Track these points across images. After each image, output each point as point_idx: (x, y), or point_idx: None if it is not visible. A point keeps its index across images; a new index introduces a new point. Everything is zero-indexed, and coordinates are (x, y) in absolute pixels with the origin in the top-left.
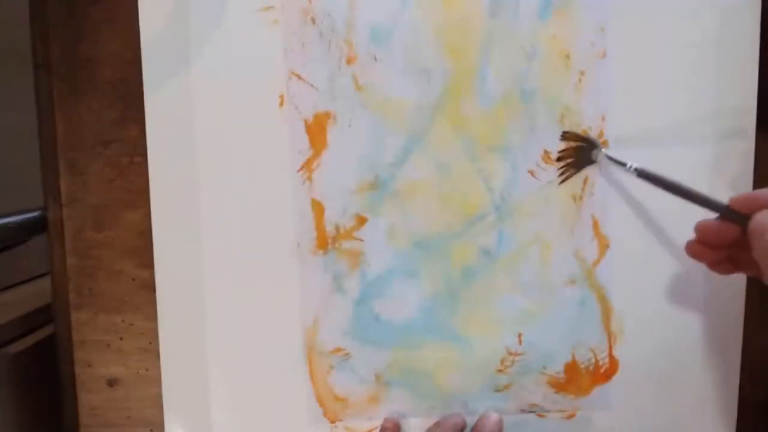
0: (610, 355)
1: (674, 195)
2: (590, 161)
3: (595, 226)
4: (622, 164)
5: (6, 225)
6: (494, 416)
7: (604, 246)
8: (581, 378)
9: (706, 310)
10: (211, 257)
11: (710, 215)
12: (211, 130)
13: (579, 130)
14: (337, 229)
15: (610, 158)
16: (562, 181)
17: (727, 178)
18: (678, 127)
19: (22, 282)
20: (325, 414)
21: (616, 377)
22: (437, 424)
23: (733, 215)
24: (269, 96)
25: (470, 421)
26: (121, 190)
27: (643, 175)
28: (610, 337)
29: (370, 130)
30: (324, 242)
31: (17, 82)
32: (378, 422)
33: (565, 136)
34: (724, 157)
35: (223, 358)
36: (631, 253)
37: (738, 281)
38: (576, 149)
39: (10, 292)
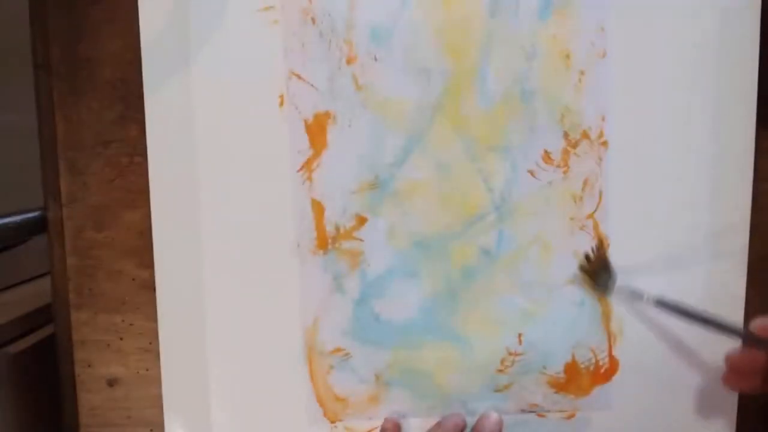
0: (610, 355)
1: (693, 323)
2: (606, 290)
3: (595, 226)
4: (639, 295)
5: (6, 225)
6: (494, 416)
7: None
8: (581, 378)
9: (706, 311)
10: (211, 257)
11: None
12: (211, 130)
13: (579, 131)
14: (337, 229)
15: (627, 289)
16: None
17: (727, 177)
18: (678, 127)
19: (22, 282)
20: (325, 414)
21: (616, 377)
22: (438, 425)
23: (756, 340)
24: (269, 96)
25: (470, 421)
26: (121, 190)
27: (661, 304)
28: (610, 337)
29: (370, 130)
30: (324, 242)
31: (17, 82)
32: (378, 422)
33: (583, 268)
34: (724, 156)
35: (223, 358)
36: (631, 253)
37: (738, 281)
38: (592, 275)
39: (10, 292)
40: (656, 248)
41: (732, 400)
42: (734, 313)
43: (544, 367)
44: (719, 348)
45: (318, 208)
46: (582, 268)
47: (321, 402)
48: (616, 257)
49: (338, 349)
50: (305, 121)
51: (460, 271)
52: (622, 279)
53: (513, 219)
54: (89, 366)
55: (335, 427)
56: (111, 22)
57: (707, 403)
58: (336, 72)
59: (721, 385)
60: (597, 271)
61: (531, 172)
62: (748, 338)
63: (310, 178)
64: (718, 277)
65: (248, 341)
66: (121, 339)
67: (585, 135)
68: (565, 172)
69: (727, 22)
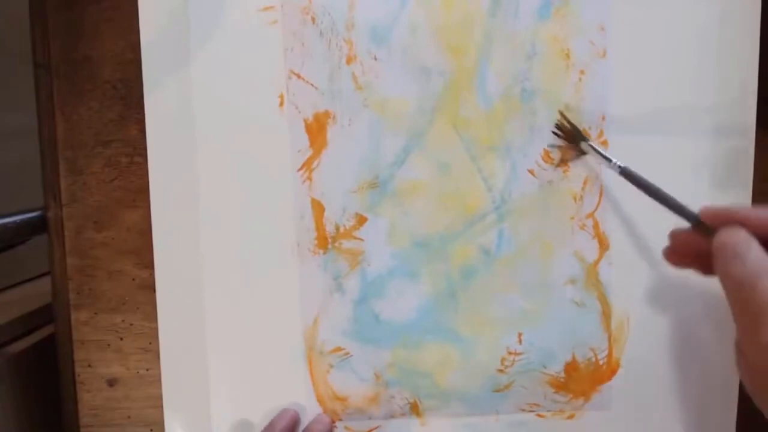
0: (610, 355)
1: (653, 198)
2: (580, 150)
3: (595, 226)
4: (608, 159)
5: (6, 225)
6: (325, 419)
7: (604, 246)
8: (581, 378)
9: (706, 310)
10: (211, 257)
11: None
12: (211, 129)
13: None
14: (337, 228)
15: (596, 150)
16: (558, 165)
17: (727, 177)
18: (678, 127)
19: (22, 282)
20: (324, 413)
21: (616, 377)
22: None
23: (703, 227)
24: (269, 95)
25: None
26: (121, 190)
27: (625, 173)
28: (610, 337)
29: (370, 129)
30: (324, 242)
31: (17, 82)
32: (378, 422)
33: (557, 126)
34: (724, 155)
35: (223, 357)
36: (631, 253)
37: None
38: (568, 136)
39: (10, 292)
40: (657, 248)
41: (732, 400)
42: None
43: (544, 367)
44: (719, 348)
45: (318, 207)
46: (558, 129)
47: (321, 401)
48: (616, 257)
49: (338, 349)
50: (305, 121)
51: (460, 271)
52: (624, 278)
53: (513, 219)
54: (89, 366)
55: (335, 426)
56: (111, 22)
57: (707, 403)
58: (336, 71)
59: (662, 259)
60: (572, 134)
61: (531, 172)
62: (696, 224)
63: (309, 178)
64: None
65: (248, 341)
66: (121, 339)
67: (585, 134)
68: (565, 172)
69: (727, 22)
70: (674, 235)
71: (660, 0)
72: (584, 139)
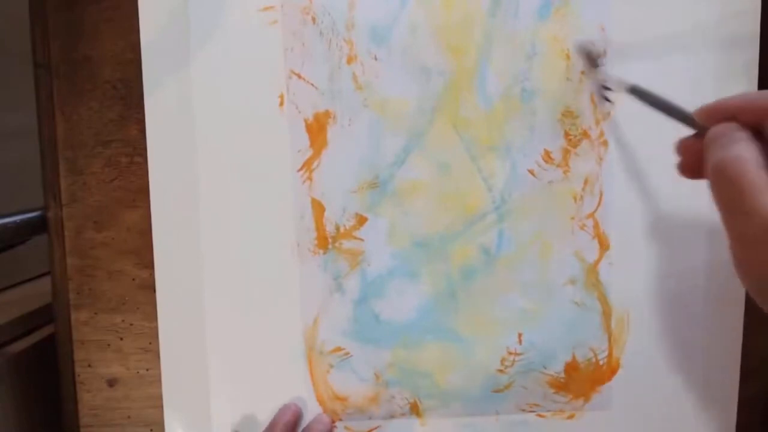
0: (610, 355)
1: (660, 112)
2: (595, 64)
3: (595, 226)
4: (621, 82)
5: (6, 225)
6: (325, 419)
7: (604, 246)
8: (581, 378)
9: (706, 310)
10: (211, 257)
11: None
12: (211, 129)
13: (579, 131)
14: (337, 228)
15: (605, 76)
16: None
17: None
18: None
19: (22, 282)
20: (324, 413)
21: (616, 377)
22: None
23: (699, 128)
24: (269, 95)
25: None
26: (121, 190)
27: (634, 91)
28: (610, 337)
29: (370, 129)
30: (324, 242)
31: (17, 82)
32: (378, 422)
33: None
34: None
35: (223, 357)
36: (631, 253)
37: (739, 281)
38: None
39: (10, 292)
40: (657, 248)
41: (732, 400)
42: (734, 313)
43: (544, 367)
44: (719, 348)
45: (318, 207)
46: (579, 49)
47: (321, 401)
48: (616, 257)
49: (338, 349)
50: (305, 121)
51: (460, 271)
52: (624, 278)
53: (513, 219)
54: (89, 366)
55: (335, 426)
56: (111, 22)
57: (707, 403)
58: (336, 71)
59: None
60: (591, 58)
61: (531, 172)
62: (691, 124)
63: (310, 178)
64: (718, 274)
65: (248, 341)
66: (121, 339)
67: (585, 135)
68: (565, 172)
69: (727, 22)
70: (682, 147)
71: (660, 0)
72: (597, 65)
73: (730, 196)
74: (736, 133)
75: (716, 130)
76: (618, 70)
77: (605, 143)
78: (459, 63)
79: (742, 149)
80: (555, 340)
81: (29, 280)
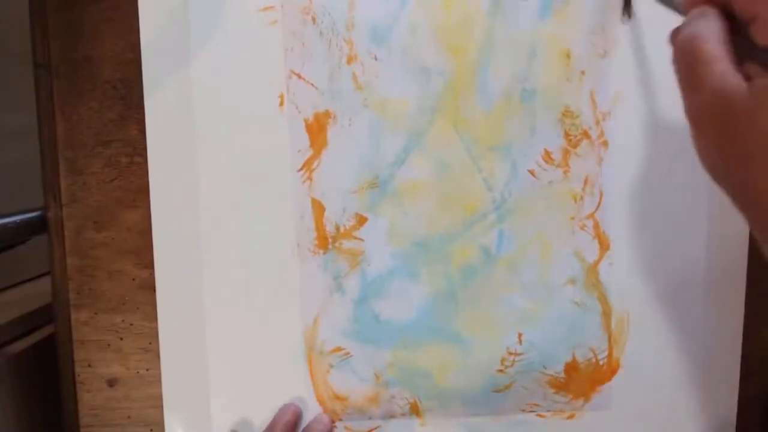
0: (610, 355)
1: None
2: None
3: (595, 226)
4: None
5: (6, 225)
6: (325, 419)
7: (604, 246)
8: (581, 378)
9: (706, 310)
10: (211, 257)
11: None
12: (211, 129)
13: (579, 131)
14: (337, 228)
15: None
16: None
17: None
18: (678, 126)
19: (22, 282)
20: (324, 413)
21: (616, 377)
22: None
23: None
24: (269, 96)
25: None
26: (121, 190)
27: None
28: (610, 337)
29: (370, 129)
30: (324, 242)
31: (17, 82)
32: (378, 422)
33: None
34: None
35: (223, 357)
36: (631, 253)
37: (738, 281)
38: None
39: (10, 292)
40: (657, 248)
41: (732, 400)
42: (734, 313)
43: (544, 367)
44: (719, 348)
45: (318, 207)
46: None
47: (321, 401)
48: (616, 257)
49: (338, 349)
50: (305, 121)
51: (460, 271)
52: (624, 278)
53: (513, 219)
54: (89, 366)
55: (335, 426)
56: (111, 22)
57: (707, 403)
58: (336, 71)
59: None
60: None
61: (531, 172)
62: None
63: (310, 178)
64: (718, 272)
65: (248, 341)
66: (121, 339)
67: (585, 135)
68: (565, 172)
69: None
70: (672, 38)
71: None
72: None
73: (685, 68)
74: (701, 11)
75: (691, 12)
76: None
77: (605, 143)
78: (459, 63)
79: (703, 25)
80: (555, 340)
81: (29, 280)
